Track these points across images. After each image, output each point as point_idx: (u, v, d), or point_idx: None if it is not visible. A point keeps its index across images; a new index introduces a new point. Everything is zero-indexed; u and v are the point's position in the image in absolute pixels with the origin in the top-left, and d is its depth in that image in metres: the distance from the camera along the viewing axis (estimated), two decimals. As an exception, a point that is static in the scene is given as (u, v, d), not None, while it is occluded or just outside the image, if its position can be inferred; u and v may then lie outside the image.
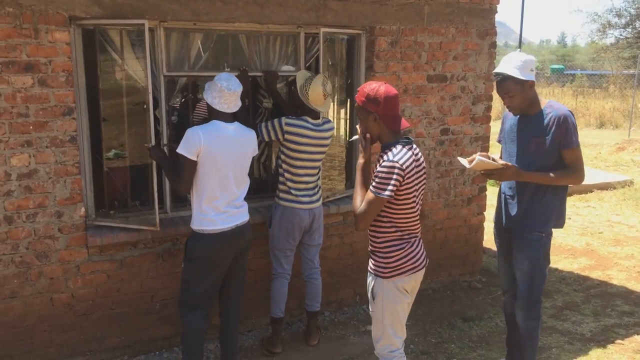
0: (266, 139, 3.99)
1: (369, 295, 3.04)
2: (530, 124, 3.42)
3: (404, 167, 2.77)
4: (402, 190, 2.81)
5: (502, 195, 3.64)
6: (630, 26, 25.20)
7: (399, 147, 2.83)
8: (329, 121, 4.14)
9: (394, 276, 2.93)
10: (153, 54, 3.91)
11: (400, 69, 4.73)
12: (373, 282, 2.99)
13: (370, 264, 3.03)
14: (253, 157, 3.64)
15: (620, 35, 25.90)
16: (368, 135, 2.92)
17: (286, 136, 3.91)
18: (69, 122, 3.64)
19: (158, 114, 4.11)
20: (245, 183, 3.57)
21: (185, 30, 4.05)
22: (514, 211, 3.53)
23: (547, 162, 3.36)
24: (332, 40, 4.83)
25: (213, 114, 3.43)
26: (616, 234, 7.03)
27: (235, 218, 3.49)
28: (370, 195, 2.81)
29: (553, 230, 3.50)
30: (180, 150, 3.33)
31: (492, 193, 6.56)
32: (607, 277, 5.63)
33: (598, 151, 13.04)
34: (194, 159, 3.32)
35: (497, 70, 3.38)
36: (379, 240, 2.94)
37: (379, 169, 2.79)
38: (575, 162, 3.34)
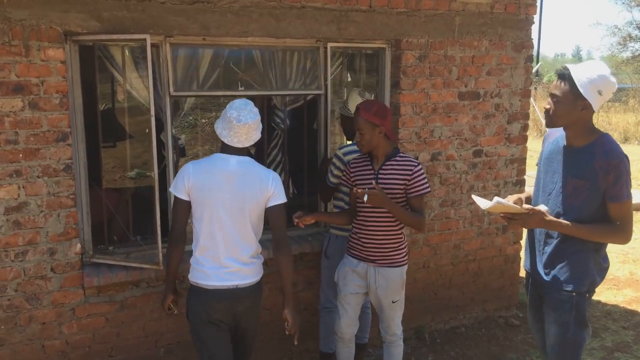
0: (335, 181, 3.64)
1: (396, 286, 3.31)
2: (574, 158, 2.74)
3: None
4: None
5: (531, 238, 2.97)
6: (651, 39, 24.62)
7: (403, 154, 3.30)
8: None
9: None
10: (158, 72, 3.54)
11: (429, 86, 4.30)
12: (403, 274, 3.33)
13: (389, 260, 3.29)
14: None
15: (641, 48, 25.28)
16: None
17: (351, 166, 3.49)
18: (64, 148, 3.26)
19: (163, 138, 3.73)
20: (251, 232, 2.88)
21: (194, 45, 3.68)
22: (541, 262, 2.86)
23: (587, 210, 2.69)
24: (354, 56, 4.43)
25: (222, 146, 2.92)
26: (660, 261, 6.49)
27: (236, 276, 2.84)
28: (424, 198, 3.29)
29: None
30: (171, 188, 2.93)
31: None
32: (657, 312, 5.11)
33: (627, 168, 12.42)
34: (185, 198, 2.85)
35: (567, 65, 2.71)
36: (398, 233, 3.31)
37: (418, 172, 3.21)
38: (623, 218, 2.64)
